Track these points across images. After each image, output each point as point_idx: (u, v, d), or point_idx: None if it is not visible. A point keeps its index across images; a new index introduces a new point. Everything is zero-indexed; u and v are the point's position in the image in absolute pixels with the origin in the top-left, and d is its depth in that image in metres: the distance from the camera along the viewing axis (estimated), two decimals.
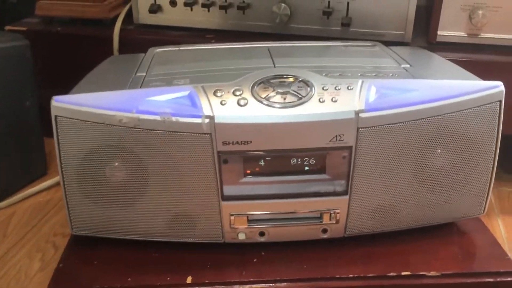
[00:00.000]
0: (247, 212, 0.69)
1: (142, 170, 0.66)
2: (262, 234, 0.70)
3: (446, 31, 0.95)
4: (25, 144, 1.00)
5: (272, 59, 0.78)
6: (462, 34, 0.95)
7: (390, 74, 0.71)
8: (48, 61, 1.13)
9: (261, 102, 0.65)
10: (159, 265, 0.69)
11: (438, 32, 0.95)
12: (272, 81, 0.67)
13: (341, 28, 0.98)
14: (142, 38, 1.06)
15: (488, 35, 0.94)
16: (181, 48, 0.88)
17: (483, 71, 0.92)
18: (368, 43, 0.90)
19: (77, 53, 1.09)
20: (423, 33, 1.00)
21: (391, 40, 0.97)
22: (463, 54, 0.95)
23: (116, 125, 0.64)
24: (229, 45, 0.89)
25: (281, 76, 0.68)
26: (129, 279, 0.67)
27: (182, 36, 1.06)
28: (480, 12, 0.90)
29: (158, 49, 0.87)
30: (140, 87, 0.68)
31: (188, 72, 0.73)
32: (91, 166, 0.66)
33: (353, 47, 0.87)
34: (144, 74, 0.73)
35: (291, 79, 0.67)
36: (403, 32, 0.96)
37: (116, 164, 0.66)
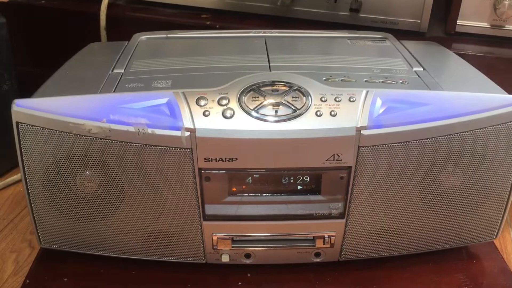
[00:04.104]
0: (231, 233, 0.62)
1: (116, 183, 0.59)
2: (248, 256, 0.64)
3: (467, 21, 0.85)
4: (4, 129, 0.93)
5: (267, 55, 0.69)
6: (485, 25, 0.85)
7: (400, 81, 0.62)
8: (32, 37, 1.05)
9: (250, 114, 0.57)
10: (136, 285, 0.63)
11: (457, 21, 0.85)
12: (263, 89, 0.59)
13: (349, 14, 0.88)
14: (131, 15, 0.97)
15: None
16: (169, 36, 0.79)
17: (505, 68, 0.84)
18: (378, 35, 0.80)
19: (63, 29, 1.01)
20: (441, 22, 0.89)
21: (405, 29, 0.87)
22: (484, 47, 0.85)
23: (85, 135, 0.57)
24: (222, 33, 0.80)
25: (273, 83, 0.59)
26: None
27: (174, 15, 0.97)
28: (507, 2, 0.80)
29: (143, 37, 0.78)
30: (115, 89, 0.60)
31: (172, 70, 0.64)
32: (59, 176, 0.59)
33: (361, 40, 0.77)
34: (122, 71, 0.65)
35: (285, 87, 0.59)
36: (419, 21, 0.86)
37: (87, 175, 0.59)
